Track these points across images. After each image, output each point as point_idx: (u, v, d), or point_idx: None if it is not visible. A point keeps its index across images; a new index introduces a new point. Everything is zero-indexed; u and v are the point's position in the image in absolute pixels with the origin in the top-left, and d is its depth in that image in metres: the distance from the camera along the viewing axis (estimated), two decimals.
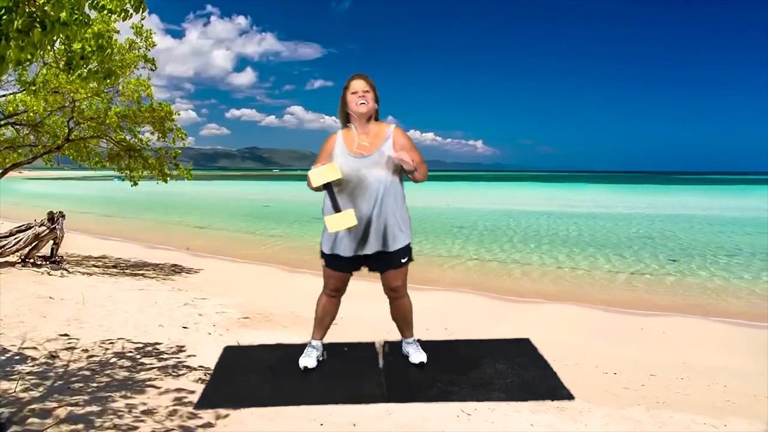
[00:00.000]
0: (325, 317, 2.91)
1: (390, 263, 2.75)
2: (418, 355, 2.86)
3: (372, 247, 2.71)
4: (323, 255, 2.83)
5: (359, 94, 2.76)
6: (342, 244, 2.73)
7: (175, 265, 11.29)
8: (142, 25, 8.60)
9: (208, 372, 3.92)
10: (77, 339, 5.15)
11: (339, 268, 2.80)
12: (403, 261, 2.76)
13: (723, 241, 16.86)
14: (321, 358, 2.88)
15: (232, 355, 3.14)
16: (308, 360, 2.82)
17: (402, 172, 2.76)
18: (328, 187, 2.61)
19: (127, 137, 10.15)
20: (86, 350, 4.82)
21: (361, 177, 2.68)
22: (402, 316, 2.88)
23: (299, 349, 2.88)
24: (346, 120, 2.83)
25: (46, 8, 2.50)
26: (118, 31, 7.40)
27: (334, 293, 2.87)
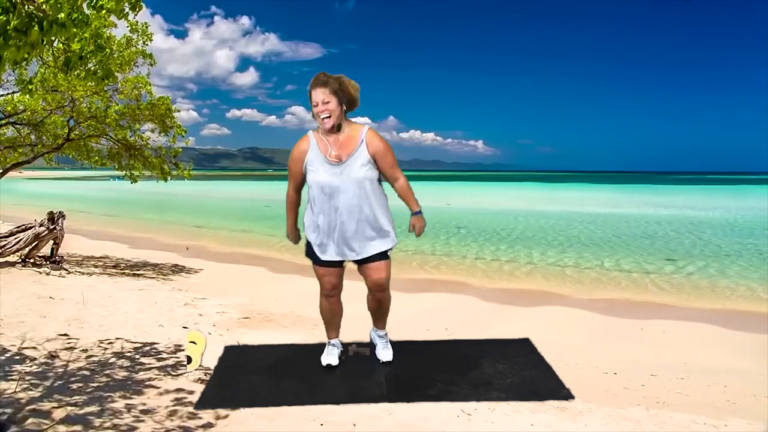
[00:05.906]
0: (333, 318, 2.89)
1: (375, 255, 2.69)
2: (386, 353, 2.88)
3: (354, 255, 2.68)
4: (310, 255, 2.77)
5: (319, 108, 2.58)
6: (328, 251, 2.69)
7: (175, 265, 11.29)
8: (137, 22, 8.55)
9: (208, 372, 3.91)
10: (77, 339, 5.14)
11: (329, 263, 2.73)
12: (388, 253, 2.73)
13: (723, 240, 16.84)
14: (343, 357, 2.88)
15: (232, 355, 3.14)
16: (331, 357, 2.82)
17: (379, 173, 2.68)
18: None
19: (128, 135, 10.16)
20: (86, 350, 4.82)
21: (339, 183, 2.61)
22: (380, 309, 2.84)
23: (299, 349, 2.87)
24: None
25: (44, 8, 2.49)
26: (115, 25, 7.34)
27: (332, 293, 2.82)
